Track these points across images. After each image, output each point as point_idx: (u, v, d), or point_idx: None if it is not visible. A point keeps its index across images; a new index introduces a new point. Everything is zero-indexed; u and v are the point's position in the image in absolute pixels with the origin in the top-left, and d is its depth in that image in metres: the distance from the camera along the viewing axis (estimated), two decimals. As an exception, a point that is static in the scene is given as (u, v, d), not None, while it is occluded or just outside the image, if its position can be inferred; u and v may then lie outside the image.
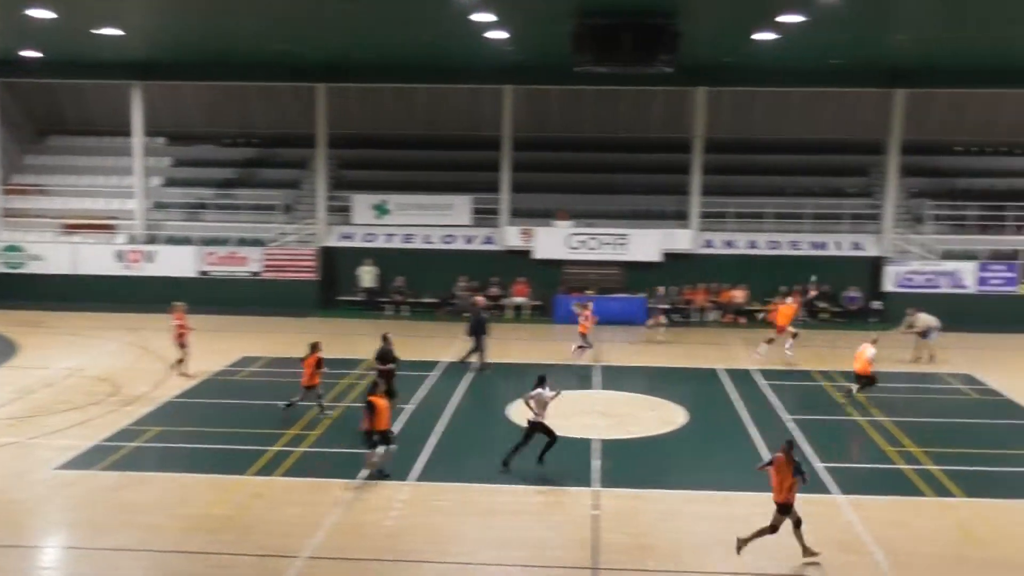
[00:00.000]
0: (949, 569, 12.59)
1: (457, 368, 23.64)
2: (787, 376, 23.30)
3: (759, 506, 14.62)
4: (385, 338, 19.27)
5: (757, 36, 22.95)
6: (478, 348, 23.63)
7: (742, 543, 12.62)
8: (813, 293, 28.67)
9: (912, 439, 18.08)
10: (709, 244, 31.89)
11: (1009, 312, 29.80)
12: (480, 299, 26.46)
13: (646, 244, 31.25)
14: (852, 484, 15.50)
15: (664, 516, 14.22)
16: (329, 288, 32.38)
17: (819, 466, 16.47)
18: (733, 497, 15.01)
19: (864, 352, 20.83)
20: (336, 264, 32.63)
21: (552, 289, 31.46)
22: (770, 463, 12.75)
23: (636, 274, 31.41)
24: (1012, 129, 34.62)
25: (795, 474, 12.51)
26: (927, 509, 14.68)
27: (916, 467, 16.50)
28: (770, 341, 24.77)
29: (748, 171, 33.94)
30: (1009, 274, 30.32)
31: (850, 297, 30.75)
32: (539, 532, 13.57)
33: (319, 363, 19.12)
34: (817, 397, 21.55)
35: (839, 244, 31.70)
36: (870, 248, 31.56)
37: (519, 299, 31.58)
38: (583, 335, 24.52)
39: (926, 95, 32.63)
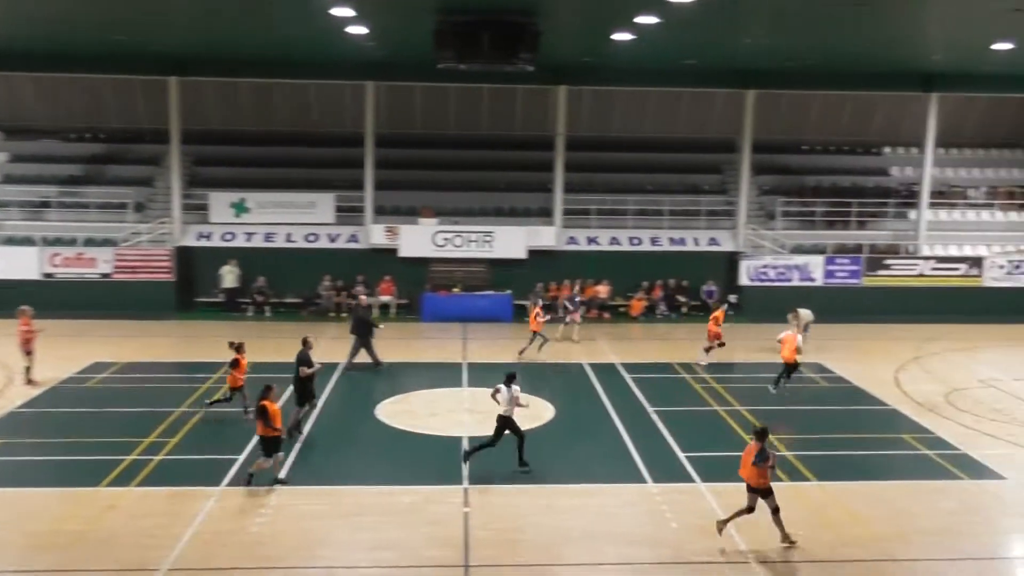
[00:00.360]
0: (805, 548, 13.12)
1: (325, 369, 23.17)
2: (650, 369, 23.87)
3: (626, 497, 14.95)
4: (305, 341, 18.45)
5: (615, 36, 23.40)
6: (364, 347, 23.25)
7: (785, 540, 13.14)
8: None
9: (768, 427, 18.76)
10: (573, 241, 32.37)
11: (854, 303, 31.42)
12: (363, 298, 26.05)
13: (511, 241, 31.46)
14: (712, 472, 15.99)
15: (534, 510, 14.32)
16: (186, 289, 31.22)
17: (681, 456, 16.96)
18: (600, 489, 15.27)
19: (795, 340, 21.32)
20: (193, 264, 31.48)
21: (419, 287, 31.26)
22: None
23: (502, 271, 31.58)
24: (852, 129, 36.55)
25: (755, 462, 12.94)
26: (783, 494, 15.16)
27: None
28: (708, 350, 24.60)
29: (610, 169, 34.63)
30: (853, 267, 31.97)
31: (708, 291, 31.77)
32: (410, 532, 13.44)
33: (235, 363, 18.55)
34: (679, 389, 22.14)
35: (697, 240, 32.71)
36: (726, 243, 32.70)
37: (385, 298, 31.23)
38: (536, 333, 24.74)
39: (774, 96, 34.07)
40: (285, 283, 31.32)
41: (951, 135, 35.98)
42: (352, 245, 31.81)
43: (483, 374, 23.04)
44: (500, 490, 15.16)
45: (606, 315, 31.44)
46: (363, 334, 23.23)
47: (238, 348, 18.67)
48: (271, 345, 24.53)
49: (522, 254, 31.53)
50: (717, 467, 16.29)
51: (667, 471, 16.18)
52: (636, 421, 19.21)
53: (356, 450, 17.39)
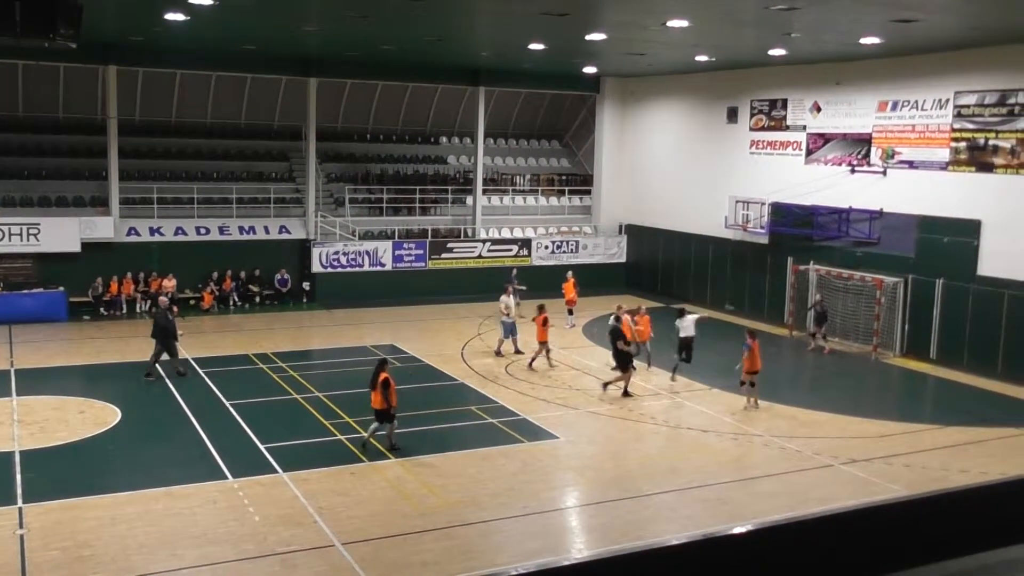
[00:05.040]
0: (385, 524, 13.59)
1: None
2: (226, 362, 23.16)
3: (206, 496, 14.40)
4: (618, 318, 21.22)
5: (168, 16, 22.14)
6: (169, 351, 21.54)
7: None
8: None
9: (346, 410, 19.11)
10: (133, 231, 30.26)
11: (420, 285, 32.95)
12: (164, 300, 22.62)
13: (62, 233, 28.59)
14: (295, 460, 15.96)
15: (104, 522, 13.27)
16: None
17: (262, 447, 16.70)
18: (177, 491, 14.56)
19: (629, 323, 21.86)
20: None
21: (-52, 288, 27.35)
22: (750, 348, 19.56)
23: (52, 266, 28.59)
24: (412, 119, 38.26)
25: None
26: (364, 474, 15.69)
27: (352, 436, 17.49)
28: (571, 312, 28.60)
29: (172, 155, 32.92)
30: (419, 251, 33.55)
31: (281, 279, 31.51)
32: (-48, 568, 11.80)
33: (546, 321, 22.62)
34: (256, 380, 21.73)
35: (267, 228, 32.21)
36: (297, 231, 32.57)
37: (-95, 302, 26.90)
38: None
39: (338, 85, 34.60)
40: None
41: (498, 127, 39.13)
42: None
43: (36, 380, 20.86)
44: (61, 505, 13.83)
45: (175, 309, 29.77)
46: (166, 337, 21.48)
47: (542, 308, 22.78)
48: None
49: (76, 247, 28.80)
50: (299, 455, 16.30)
51: (248, 464, 15.84)
52: (213, 417, 18.55)
53: None
